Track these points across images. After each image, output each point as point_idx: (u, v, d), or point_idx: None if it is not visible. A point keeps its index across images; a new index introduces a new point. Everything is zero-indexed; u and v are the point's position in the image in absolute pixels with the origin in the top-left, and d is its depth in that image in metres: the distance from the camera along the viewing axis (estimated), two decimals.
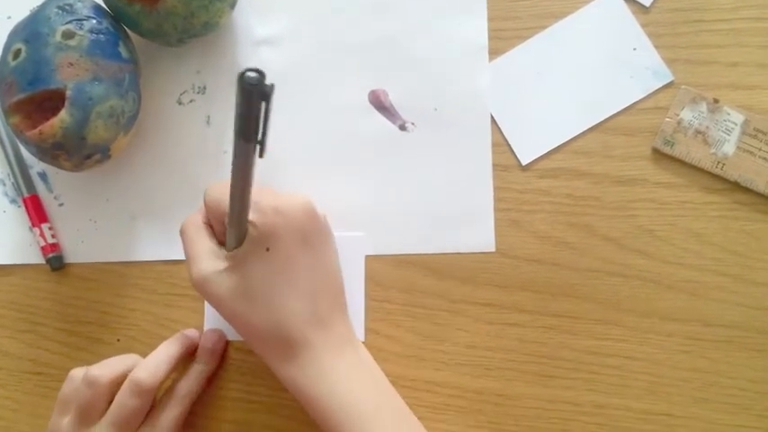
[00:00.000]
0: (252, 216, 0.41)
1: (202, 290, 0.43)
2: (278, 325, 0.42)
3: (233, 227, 0.41)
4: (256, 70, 0.29)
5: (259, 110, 0.31)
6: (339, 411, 0.41)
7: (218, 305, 0.43)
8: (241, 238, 0.41)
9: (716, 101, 0.45)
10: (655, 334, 0.45)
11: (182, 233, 0.45)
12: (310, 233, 0.43)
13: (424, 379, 0.47)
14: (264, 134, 0.32)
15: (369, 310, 0.48)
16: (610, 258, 0.46)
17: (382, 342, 0.48)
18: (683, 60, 0.47)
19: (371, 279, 0.49)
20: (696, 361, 0.44)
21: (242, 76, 0.29)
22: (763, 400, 0.43)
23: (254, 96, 0.30)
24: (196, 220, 0.45)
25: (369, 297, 0.49)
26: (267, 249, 0.41)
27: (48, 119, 0.46)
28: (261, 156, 0.34)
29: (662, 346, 0.45)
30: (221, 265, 0.42)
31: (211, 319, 0.50)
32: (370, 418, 0.41)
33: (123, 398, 0.45)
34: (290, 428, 0.48)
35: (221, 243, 0.44)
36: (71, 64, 0.46)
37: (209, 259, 0.43)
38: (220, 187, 0.43)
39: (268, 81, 0.30)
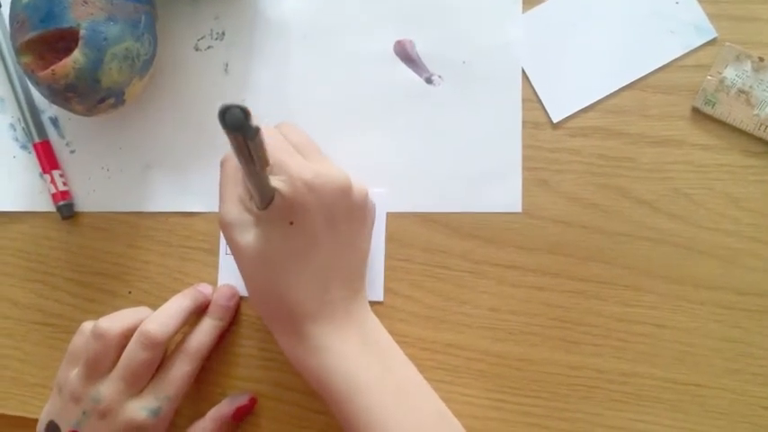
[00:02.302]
0: (282, 185, 0.39)
1: (225, 232, 0.42)
2: (285, 294, 0.40)
3: (255, 194, 0.39)
4: (239, 107, 0.28)
5: (247, 144, 0.30)
6: (340, 386, 0.40)
7: (234, 252, 0.42)
8: (266, 202, 0.40)
9: (761, 59, 0.43)
10: (686, 302, 0.43)
11: (221, 166, 0.44)
12: (340, 215, 0.41)
13: (444, 341, 0.46)
14: (259, 160, 0.32)
15: (389, 269, 0.47)
16: (642, 222, 0.44)
17: (402, 302, 0.46)
18: (727, 16, 0.44)
19: (392, 237, 0.47)
20: (728, 330, 0.43)
21: (223, 115, 0.28)
22: None
23: (238, 137, 0.29)
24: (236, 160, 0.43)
25: (389, 256, 0.47)
26: (291, 223, 0.40)
27: (60, 60, 0.44)
28: (263, 170, 0.34)
29: (693, 315, 0.43)
30: (247, 216, 0.41)
31: (226, 274, 0.49)
32: (372, 393, 0.40)
33: (133, 350, 0.44)
34: (303, 387, 0.47)
35: None
36: (85, 2, 0.44)
37: (238, 206, 0.41)
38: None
39: (254, 124, 0.28)
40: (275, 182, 0.39)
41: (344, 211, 0.41)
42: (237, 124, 0.28)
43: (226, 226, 0.41)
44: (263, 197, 0.39)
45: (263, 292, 0.41)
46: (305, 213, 0.40)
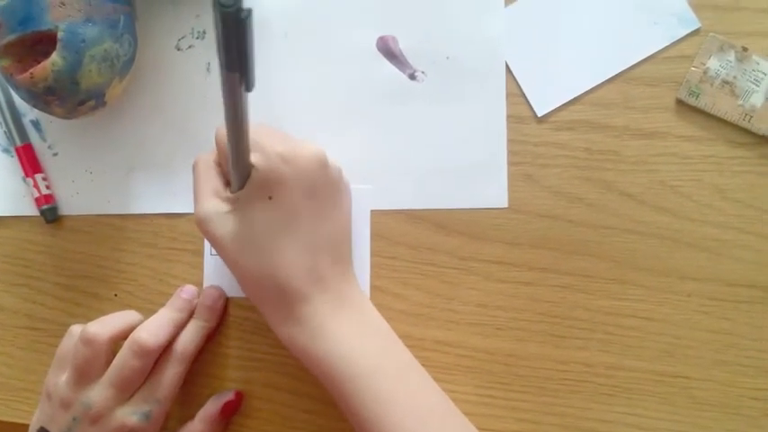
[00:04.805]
0: (256, 159, 0.39)
1: (203, 229, 0.41)
2: (274, 275, 0.40)
3: (234, 167, 0.39)
4: None
5: (237, 37, 0.29)
6: (341, 368, 0.40)
7: (216, 246, 0.41)
8: (243, 180, 0.40)
9: (745, 49, 0.43)
10: (673, 294, 0.43)
11: (193, 169, 0.44)
12: (318, 186, 0.41)
13: (433, 338, 0.46)
14: (247, 64, 0.30)
15: (375, 266, 0.47)
16: (628, 215, 0.44)
17: (389, 300, 0.46)
18: (710, 6, 0.44)
19: (378, 235, 0.47)
20: (716, 322, 0.42)
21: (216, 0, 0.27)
22: None
23: (229, 19, 0.28)
24: (207, 158, 0.44)
25: (375, 253, 0.47)
26: (270, 198, 0.40)
27: (39, 62, 0.44)
28: (248, 89, 0.32)
29: (680, 307, 0.43)
30: (224, 206, 0.41)
31: (211, 275, 0.49)
32: (374, 373, 0.40)
33: (124, 358, 0.44)
34: (292, 386, 0.47)
35: (229, 184, 0.42)
36: (62, 3, 0.43)
37: (213, 199, 0.41)
38: None
39: (245, 6, 0.28)
40: (251, 157, 0.39)
41: (321, 182, 0.42)
42: (230, 2, 0.27)
43: (203, 221, 0.41)
44: (242, 174, 0.39)
45: (253, 277, 0.41)
46: (282, 185, 0.40)
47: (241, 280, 0.42)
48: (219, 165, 0.43)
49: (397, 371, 0.41)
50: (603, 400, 0.43)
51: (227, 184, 0.42)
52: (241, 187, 0.40)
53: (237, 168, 0.39)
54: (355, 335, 0.41)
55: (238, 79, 0.31)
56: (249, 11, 0.28)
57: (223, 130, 0.41)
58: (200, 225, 0.41)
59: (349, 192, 0.46)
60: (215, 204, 0.41)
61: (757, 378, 0.42)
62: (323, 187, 0.42)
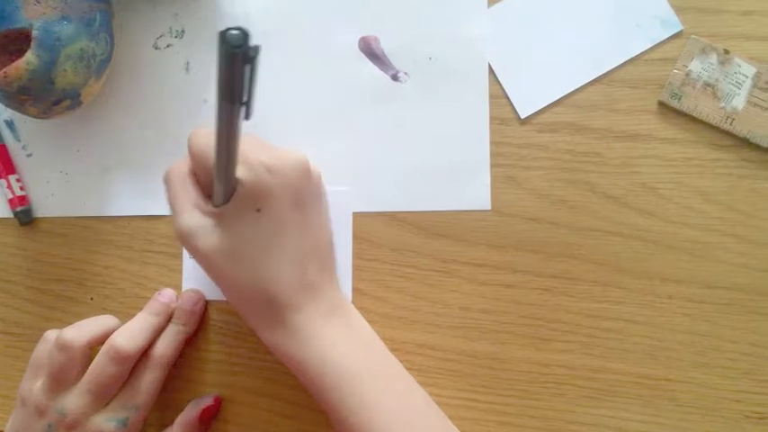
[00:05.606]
0: (242, 173, 0.38)
1: (186, 244, 0.40)
2: (264, 287, 0.39)
3: (220, 183, 0.38)
4: (239, 29, 0.26)
5: (243, 72, 0.28)
6: (329, 375, 0.39)
7: (202, 261, 0.40)
8: (229, 195, 0.39)
9: (727, 52, 0.43)
10: (655, 296, 0.43)
11: (166, 182, 0.42)
12: (303, 195, 0.41)
13: (415, 342, 0.45)
14: (250, 96, 0.30)
15: (356, 269, 0.46)
16: (610, 217, 0.44)
17: (371, 303, 0.46)
18: (692, 8, 0.44)
19: (360, 237, 0.47)
20: (697, 324, 0.43)
21: (224, 37, 0.26)
22: (765, 365, 0.42)
23: (237, 59, 0.27)
24: (181, 168, 0.42)
25: (357, 256, 0.46)
26: (258, 210, 0.39)
27: (13, 61, 0.43)
28: (247, 118, 0.31)
29: (662, 309, 0.43)
30: (207, 220, 0.40)
31: (190, 278, 0.48)
32: (361, 380, 0.39)
33: (101, 364, 0.43)
34: (272, 391, 0.47)
35: (207, 195, 0.41)
36: (37, 1, 0.43)
37: (194, 212, 0.40)
38: (206, 136, 0.40)
39: (252, 42, 0.27)
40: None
41: (307, 192, 0.41)
42: (239, 42, 0.26)
43: (186, 236, 0.40)
44: (227, 189, 0.38)
45: (242, 290, 0.40)
46: (270, 197, 0.39)
47: (227, 291, 0.41)
48: (194, 174, 0.42)
49: (384, 376, 0.41)
50: (586, 402, 0.43)
51: (207, 195, 0.41)
52: (226, 200, 0.39)
53: (223, 183, 0.38)
54: (343, 341, 0.41)
55: (238, 110, 0.30)
56: (257, 48, 0.27)
57: (198, 142, 0.40)
58: (183, 239, 0.40)
59: (326, 196, 0.45)
60: (198, 218, 0.40)
61: (738, 380, 0.42)
62: (307, 196, 0.41)
